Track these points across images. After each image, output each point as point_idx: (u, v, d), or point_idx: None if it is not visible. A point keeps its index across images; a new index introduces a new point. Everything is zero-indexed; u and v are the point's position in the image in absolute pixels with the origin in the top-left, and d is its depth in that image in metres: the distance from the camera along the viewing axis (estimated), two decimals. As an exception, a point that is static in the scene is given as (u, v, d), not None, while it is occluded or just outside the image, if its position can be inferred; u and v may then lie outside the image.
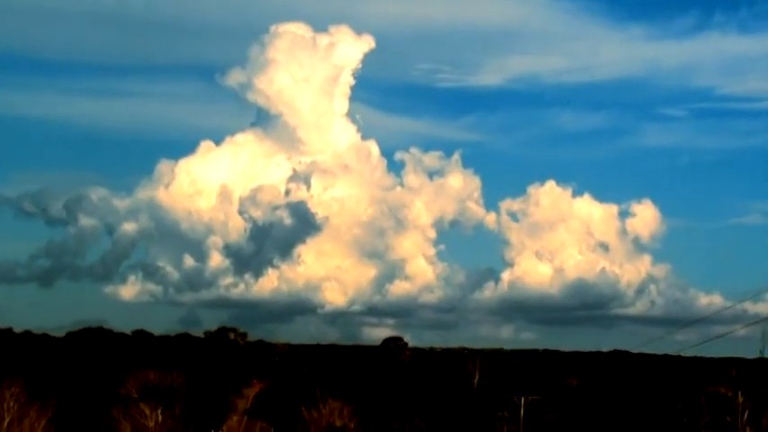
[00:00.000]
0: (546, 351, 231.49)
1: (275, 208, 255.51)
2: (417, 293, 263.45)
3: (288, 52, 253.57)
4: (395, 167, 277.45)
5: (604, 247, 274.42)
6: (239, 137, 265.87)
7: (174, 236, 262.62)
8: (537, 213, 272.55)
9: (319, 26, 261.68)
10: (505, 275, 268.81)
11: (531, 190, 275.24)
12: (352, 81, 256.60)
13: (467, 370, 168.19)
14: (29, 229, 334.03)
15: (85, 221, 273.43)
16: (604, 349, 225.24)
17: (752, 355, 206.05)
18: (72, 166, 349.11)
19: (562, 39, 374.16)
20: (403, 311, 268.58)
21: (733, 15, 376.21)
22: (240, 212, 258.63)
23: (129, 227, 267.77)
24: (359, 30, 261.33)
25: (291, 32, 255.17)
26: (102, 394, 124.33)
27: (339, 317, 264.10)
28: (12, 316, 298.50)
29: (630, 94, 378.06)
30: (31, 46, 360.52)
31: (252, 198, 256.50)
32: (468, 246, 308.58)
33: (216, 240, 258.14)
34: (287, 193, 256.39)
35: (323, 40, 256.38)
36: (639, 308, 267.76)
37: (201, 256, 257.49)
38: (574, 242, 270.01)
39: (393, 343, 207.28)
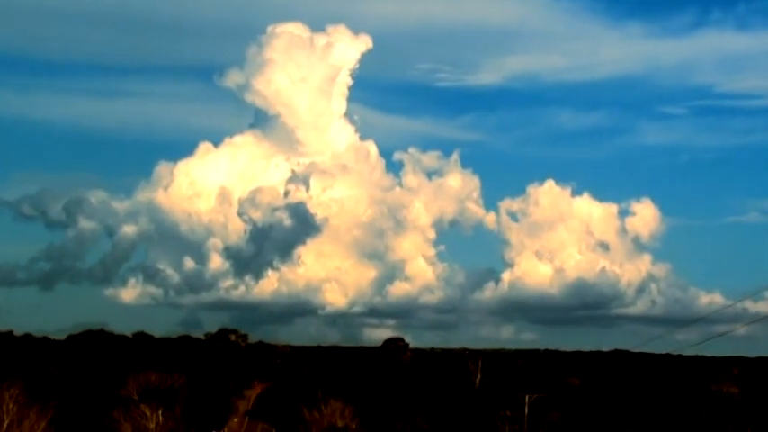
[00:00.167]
0: (547, 351, 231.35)
1: (274, 209, 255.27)
2: (417, 294, 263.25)
3: (285, 53, 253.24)
4: (394, 168, 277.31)
5: (604, 246, 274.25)
6: (238, 138, 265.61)
7: (174, 238, 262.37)
8: (536, 213, 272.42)
9: (317, 26, 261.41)
10: (505, 275, 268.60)
11: (531, 189, 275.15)
12: (349, 81, 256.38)
13: (468, 370, 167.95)
14: (28, 232, 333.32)
15: (85, 224, 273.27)
16: (605, 349, 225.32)
17: (753, 353, 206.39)
18: (70, 167, 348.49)
19: (561, 38, 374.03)
20: (403, 312, 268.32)
21: (731, 12, 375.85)
22: (239, 214, 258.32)
23: (128, 229, 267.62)
24: (356, 29, 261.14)
25: (289, 33, 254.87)
26: (103, 396, 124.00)
27: (339, 318, 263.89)
28: (12, 319, 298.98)
29: (629, 93, 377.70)
30: (30, 46, 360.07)
31: (251, 200, 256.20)
32: (467, 246, 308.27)
33: (216, 242, 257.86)
34: (286, 194, 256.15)
35: (320, 40, 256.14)
36: (640, 307, 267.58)
37: (201, 258, 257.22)
38: (574, 242, 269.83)
39: (394, 344, 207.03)
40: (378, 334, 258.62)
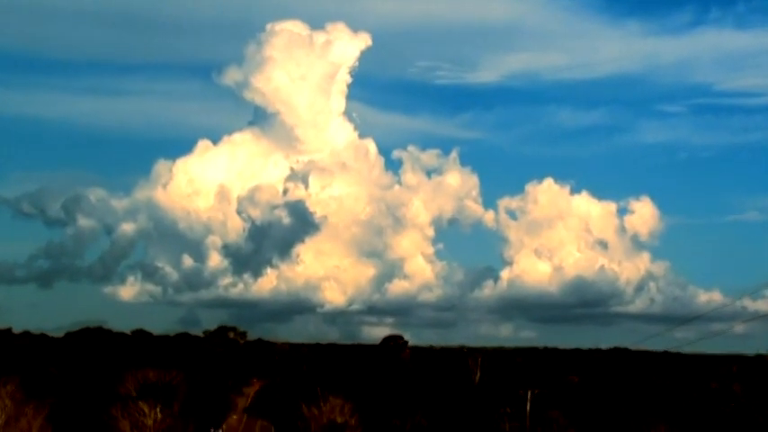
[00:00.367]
0: (546, 349, 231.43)
1: (273, 207, 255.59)
2: (416, 292, 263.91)
3: (284, 50, 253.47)
4: (393, 166, 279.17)
5: (603, 244, 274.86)
6: (237, 136, 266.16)
7: (173, 236, 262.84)
8: (535, 211, 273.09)
9: (316, 24, 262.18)
10: (504, 274, 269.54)
11: (530, 188, 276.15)
12: (348, 79, 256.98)
13: (467, 367, 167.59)
14: (27, 230, 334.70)
15: (84, 222, 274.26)
16: (604, 347, 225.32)
17: (751, 351, 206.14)
18: (69, 165, 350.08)
19: (560, 36, 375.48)
20: (402, 310, 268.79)
21: (729, 10, 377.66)
22: (238, 212, 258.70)
23: (127, 227, 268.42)
24: (355, 27, 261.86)
25: (288, 30, 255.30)
26: (100, 393, 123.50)
27: (338, 316, 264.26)
28: (11, 317, 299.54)
29: (628, 91, 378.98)
30: (29, 45, 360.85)
31: (250, 198, 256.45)
32: (466, 244, 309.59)
33: (214, 240, 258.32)
34: (285, 192, 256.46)
35: (319, 37, 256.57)
36: (639, 305, 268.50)
37: (200, 256, 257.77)
38: (572, 240, 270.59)
39: (393, 341, 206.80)
40: (377, 332, 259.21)
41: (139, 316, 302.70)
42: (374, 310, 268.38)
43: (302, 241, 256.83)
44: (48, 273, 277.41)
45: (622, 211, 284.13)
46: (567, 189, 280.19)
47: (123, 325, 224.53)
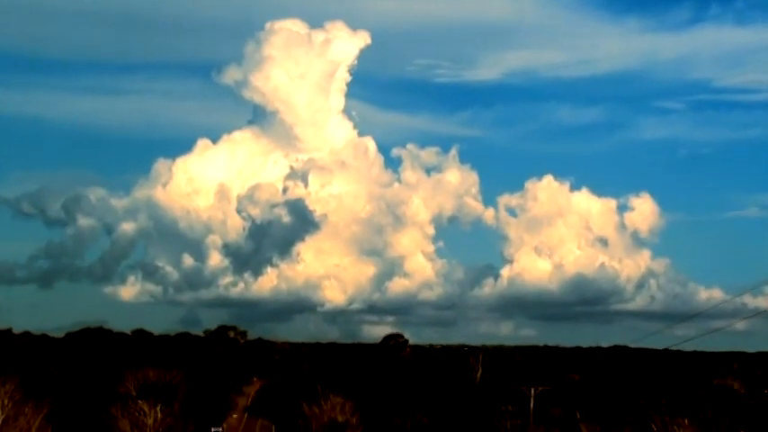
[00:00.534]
0: (546, 347, 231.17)
1: (273, 206, 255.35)
2: (417, 290, 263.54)
3: (283, 49, 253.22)
4: (392, 163, 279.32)
5: (603, 241, 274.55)
6: (236, 135, 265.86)
7: (173, 235, 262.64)
8: (535, 208, 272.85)
9: (315, 22, 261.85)
10: (504, 271, 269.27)
11: (529, 185, 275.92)
12: (348, 77, 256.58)
13: (468, 365, 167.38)
14: (28, 230, 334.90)
15: (84, 222, 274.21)
16: (604, 344, 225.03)
17: (752, 348, 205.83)
18: (69, 165, 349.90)
19: (559, 33, 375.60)
20: (402, 309, 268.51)
21: (728, 7, 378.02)
22: (238, 211, 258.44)
23: (127, 227, 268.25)
24: (354, 26, 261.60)
25: (287, 29, 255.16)
26: (100, 392, 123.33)
27: (339, 315, 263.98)
28: (11, 317, 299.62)
29: (627, 88, 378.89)
30: (29, 45, 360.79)
31: (250, 196, 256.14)
32: (466, 242, 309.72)
33: (215, 239, 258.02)
34: (284, 190, 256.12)
35: (318, 36, 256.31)
36: (639, 303, 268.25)
37: (200, 255, 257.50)
38: (572, 237, 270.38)
39: (393, 340, 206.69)
40: (377, 331, 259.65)
41: (140, 316, 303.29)
42: (374, 309, 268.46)
43: (302, 240, 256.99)
44: (48, 273, 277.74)
45: (622, 208, 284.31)
46: (566, 186, 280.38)
47: (123, 325, 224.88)
